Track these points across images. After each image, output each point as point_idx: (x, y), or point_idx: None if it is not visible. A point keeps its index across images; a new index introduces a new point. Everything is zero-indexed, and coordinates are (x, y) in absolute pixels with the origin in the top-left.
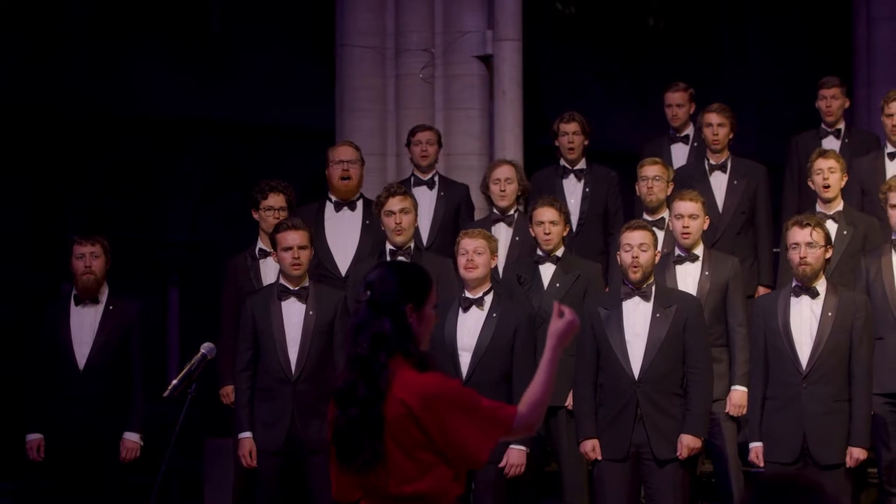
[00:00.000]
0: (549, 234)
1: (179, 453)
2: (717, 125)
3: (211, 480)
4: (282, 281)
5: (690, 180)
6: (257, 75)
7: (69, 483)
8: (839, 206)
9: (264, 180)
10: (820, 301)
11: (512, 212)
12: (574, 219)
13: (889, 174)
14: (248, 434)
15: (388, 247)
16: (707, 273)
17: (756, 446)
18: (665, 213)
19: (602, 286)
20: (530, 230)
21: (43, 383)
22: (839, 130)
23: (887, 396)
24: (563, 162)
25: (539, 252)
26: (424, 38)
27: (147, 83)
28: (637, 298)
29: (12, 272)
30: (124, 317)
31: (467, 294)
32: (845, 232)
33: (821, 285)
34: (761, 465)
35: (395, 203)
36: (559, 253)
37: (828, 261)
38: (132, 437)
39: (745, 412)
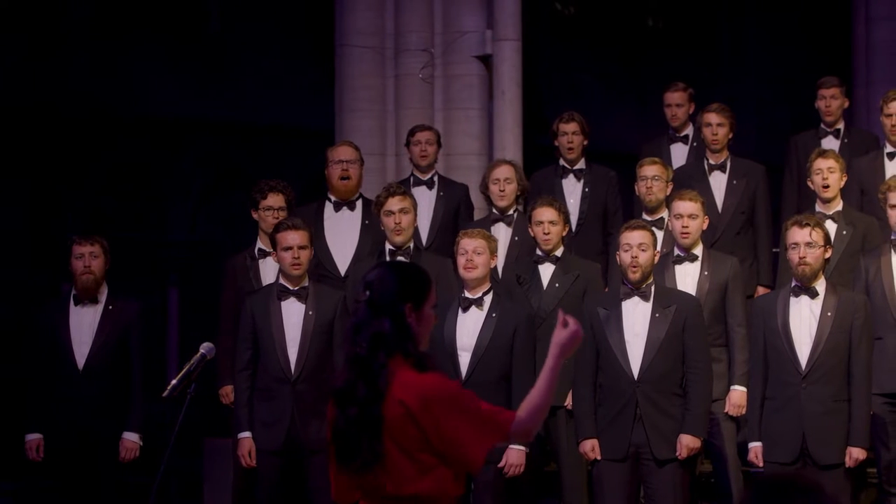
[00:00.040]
0: (548, 233)
1: (179, 453)
2: (716, 125)
3: (210, 480)
4: (281, 281)
5: (690, 180)
6: (257, 75)
7: (68, 483)
8: (838, 206)
9: (263, 180)
10: (819, 301)
11: (511, 212)
12: (573, 219)
13: (888, 174)
14: (247, 434)
15: (388, 247)
16: (706, 273)
17: (755, 446)
18: (664, 213)
19: (601, 286)
20: (529, 230)
21: (42, 383)
22: (838, 130)
23: (886, 396)
24: (562, 162)
25: (538, 252)
26: (424, 38)
27: (147, 83)
28: (636, 298)
29: (12, 272)
30: (123, 317)
31: (467, 294)
32: (844, 232)
33: (820, 285)
34: (760, 465)
35: (394, 203)
36: (558, 253)
37: (827, 261)
38: (131, 437)
39: (744, 412)
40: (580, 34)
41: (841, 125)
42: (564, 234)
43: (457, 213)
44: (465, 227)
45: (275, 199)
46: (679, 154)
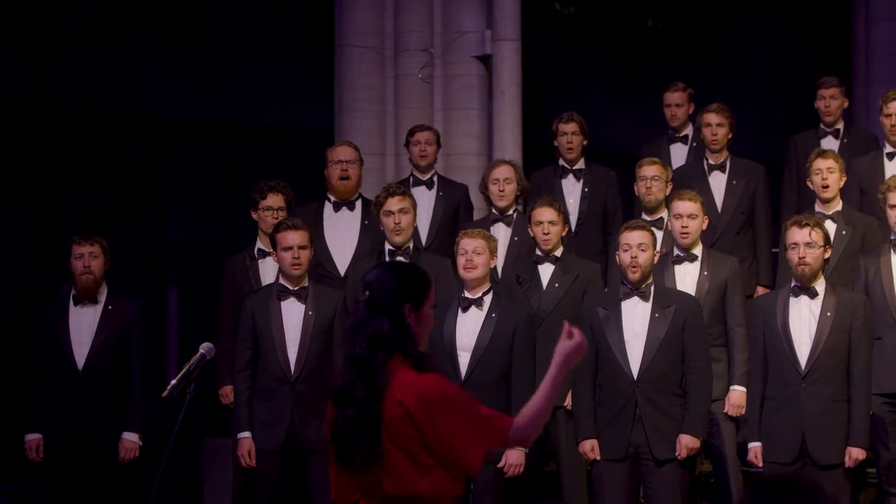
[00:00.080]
0: (547, 234)
1: (178, 453)
2: (715, 125)
3: (210, 480)
4: (281, 281)
5: (689, 180)
6: (257, 75)
7: (68, 483)
8: (838, 206)
9: (263, 180)
10: (819, 301)
11: (511, 212)
12: (573, 219)
13: (888, 174)
14: (247, 434)
15: (387, 247)
16: (706, 273)
17: (755, 446)
18: (664, 213)
19: (601, 286)
20: (529, 230)
21: (42, 383)
22: (838, 130)
23: (886, 396)
24: (561, 162)
25: (538, 252)
26: (423, 38)
27: (147, 83)
28: (636, 298)
29: (12, 272)
30: (123, 317)
31: (466, 294)
32: (844, 232)
33: (820, 285)
34: (760, 465)
35: (393, 203)
36: (558, 253)
37: (827, 261)
38: (131, 437)
39: (743, 412)
40: (580, 34)
41: (840, 125)
42: (564, 234)
43: (456, 214)
44: (464, 227)
45: (274, 200)
46: (679, 154)
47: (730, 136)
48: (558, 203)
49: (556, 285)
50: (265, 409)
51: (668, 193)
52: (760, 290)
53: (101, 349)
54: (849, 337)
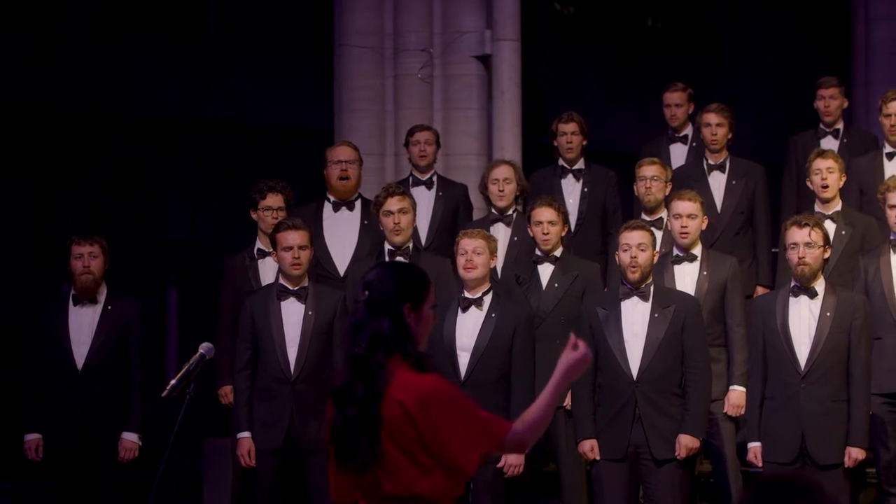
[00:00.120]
0: (547, 234)
1: (178, 453)
2: (715, 125)
3: (210, 480)
4: (281, 281)
5: (689, 180)
6: (257, 75)
7: (68, 483)
8: (837, 206)
9: (262, 180)
10: (818, 301)
11: (510, 212)
12: (572, 219)
13: (887, 174)
14: (246, 434)
15: (387, 247)
16: (705, 273)
17: (754, 446)
18: (663, 213)
19: (600, 286)
20: (529, 230)
21: (41, 383)
22: (837, 130)
23: (886, 396)
24: (561, 162)
25: (538, 252)
26: (423, 38)
27: (147, 83)
28: (635, 298)
29: (12, 272)
30: (123, 317)
31: (466, 294)
32: (844, 232)
33: (819, 285)
34: (760, 465)
35: (393, 203)
36: (558, 253)
37: (826, 261)
38: (130, 437)
39: (743, 412)
40: (580, 34)
41: (840, 125)
42: (563, 234)
43: (456, 214)
44: (464, 227)
45: (274, 200)
46: (678, 154)
47: (729, 136)
48: (558, 203)
49: (556, 285)
50: (265, 409)
51: (667, 193)
52: (760, 290)
53: (101, 349)
54: (848, 337)
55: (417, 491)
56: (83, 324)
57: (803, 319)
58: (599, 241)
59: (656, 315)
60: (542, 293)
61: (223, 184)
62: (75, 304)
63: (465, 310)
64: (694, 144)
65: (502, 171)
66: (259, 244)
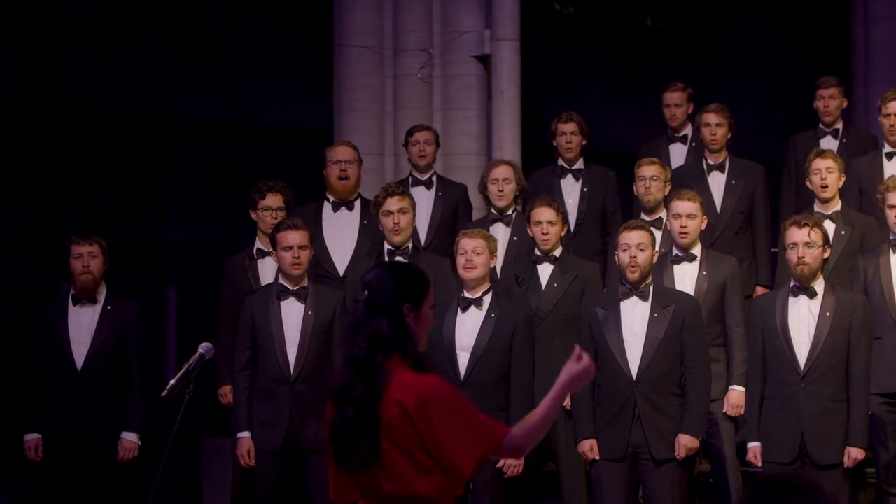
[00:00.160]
0: (546, 234)
1: (177, 453)
2: (715, 125)
3: (209, 480)
4: (281, 281)
5: (688, 180)
6: (257, 75)
7: (67, 483)
8: (837, 205)
9: (262, 180)
10: (818, 301)
11: (510, 212)
12: (572, 219)
13: (887, 174)
14: (246, 434)
15: (386, 247)
16: (705, 273)
17: (754, 446)
18: (663, 213)
19: (600, 286)
20: (528, 230)
21: (41, 383)
22: (837, 130)
23: (885, 396)
24: (560, 162)
25: (537, 252)
26: (422, 38)
27: (147, 83)
28: (635, 298)
29: (12, 272)
30: (122, 317)
31: (466, 294)
32: (843, 232)
33: (819, 285)
34: (759, 465)
35: (392, 203)
36: (557, 253)
37: (826, 261)
38: (130, 437)
39: (742, 412)
40: (579, 34)
41: (839, 125)
42: (563, 234)
43: (455, 213)
44: (464, 227)
45: (273, 200)
46: (678, 154)
47: (729, 136)
48: (557, 203)
49: (555, 285)
50: (264, 409)
51: (667, 193)
52: (759, 290)
53: (100, 349)
54: (848, 337)
55: (416, 491)
56: (83, 324)
57: (803, 319)
58: (599, 241)
59: (656, 315)
60: (542, 293)
61: (223, 184)
62: (75, 304)
63: (464, 310)
64: (693, 144)
65: (502, 171)
66: (259, 244)
